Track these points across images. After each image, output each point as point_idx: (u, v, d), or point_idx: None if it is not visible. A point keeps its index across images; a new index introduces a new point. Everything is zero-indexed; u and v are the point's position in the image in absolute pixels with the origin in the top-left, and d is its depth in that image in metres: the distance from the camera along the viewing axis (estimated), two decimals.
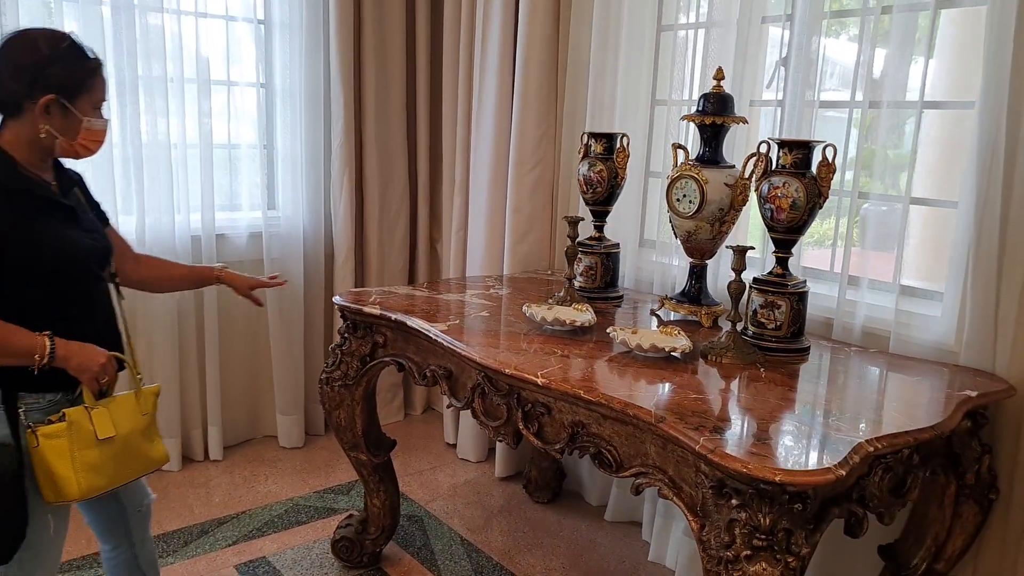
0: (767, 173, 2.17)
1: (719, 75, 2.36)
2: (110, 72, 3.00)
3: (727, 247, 2.09)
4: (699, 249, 2.44)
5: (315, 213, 3.68)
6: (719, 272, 2.68)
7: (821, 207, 2.12)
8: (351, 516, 2.82)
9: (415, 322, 2.33)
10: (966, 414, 1.84)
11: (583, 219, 2.53)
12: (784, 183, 2.10)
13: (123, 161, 3.13)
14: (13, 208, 1.62)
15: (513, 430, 2.05)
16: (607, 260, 2.71)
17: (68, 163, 1.84)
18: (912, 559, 2.12)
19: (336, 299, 2.56)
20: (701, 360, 2.08)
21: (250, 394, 3.72)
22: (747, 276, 2.10)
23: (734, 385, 1.92)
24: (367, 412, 2.65)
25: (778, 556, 1.44)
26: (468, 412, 2.21)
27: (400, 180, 3.88)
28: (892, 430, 1.64)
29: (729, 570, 1.48)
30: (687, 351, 2.04)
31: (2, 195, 1.61)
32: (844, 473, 1.44)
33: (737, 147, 2.60)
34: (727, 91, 2.38)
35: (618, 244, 2.77)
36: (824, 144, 2.09)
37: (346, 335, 2.57)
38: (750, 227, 2.71)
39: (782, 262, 2.19)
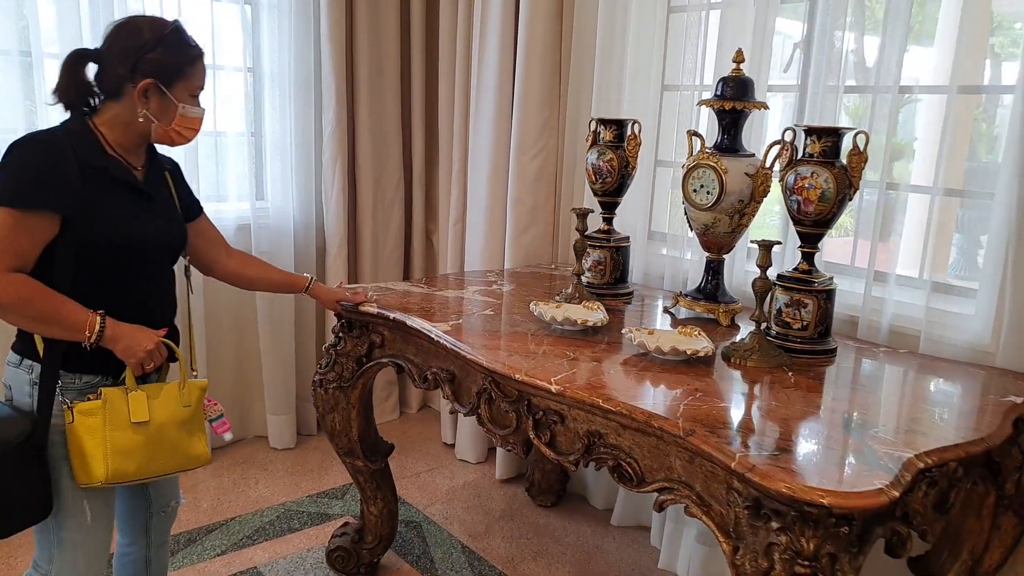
0: (792, 162, 2.03)
1: (739, 57, 2.21)
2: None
3: (751, 242, 1.95)
4: (717, 243, 2.30)
5: (306, 204, 3.52)
6: (734, 267, 2.54)
7: (851, 199, 1.98)
8: (347, 524, 2.68)
9: (415, 322, 2.18)
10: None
11: (592, 211, 2.39)
12: (812, 173, 1.96)
13: None
14: (84, 184, 1.61)
15: (523, 439, 1.91)
16: (617, 254, 2.56)
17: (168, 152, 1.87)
18: (946, 573, 1.99)
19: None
20: (723, 362, 1.95)
21: (239, 393, 3.56)
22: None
23: (762, 391, 1.78)
24: (363, 416, 2.51)
25: None
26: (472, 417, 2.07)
27: (395, 169, 3.71)
28: (940, 443, 1.51)
29: None
30: (709, 354, 1.90)
31: (77, 170, 1.61)
32: (897, 495, 1.31)
33: (749, 135, 2.45)
34: (746, 75, 2.23)
35: (628, 237, 2.63)
36: (855, 131, 1.95)
37: (341, 335, 2.42)
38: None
39: (808, 258, 2.06)
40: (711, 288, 2.35)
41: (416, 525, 2.97)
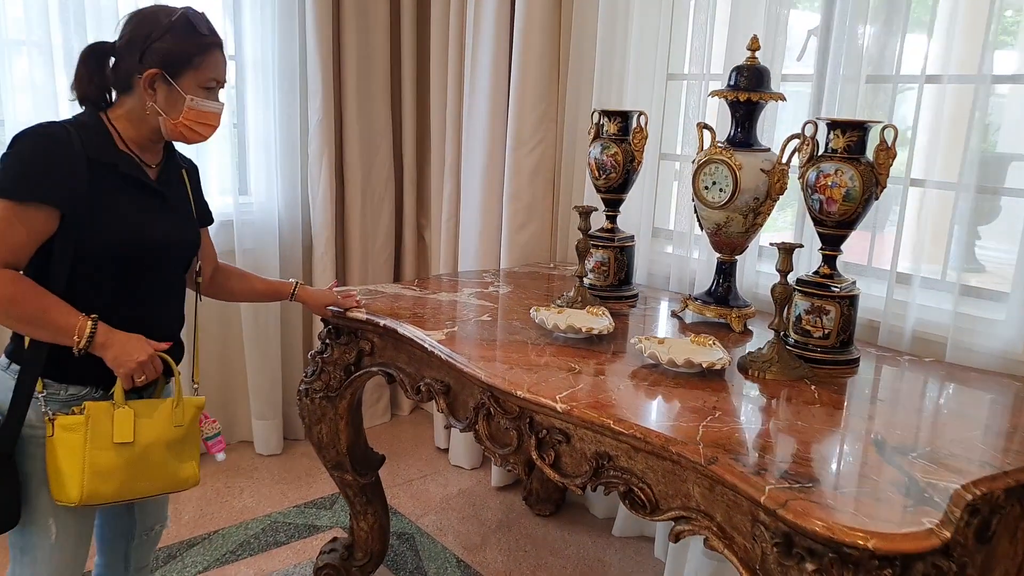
0: (814, 158, 1.89)
1: (754, 45, 2.06)
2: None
3: (770, 244, 1.81)
4: (729, 243, 2.15)
5: (291, 199, 3.35)
6: (745, 267, 2.40)
7: (878, 198, 1.84)
8: (335, 540, 2.53)
9: (407, 329, 2.03)
10: None
11: (596, 209, 2.24)
12: (836, 170, 1.81)
13: None
14: (91, 179, 1.54)
15: (525, 460, 1.76)
16: (621, 255, 2.42)
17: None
18: None
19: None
20: (739, 373, 1.81)
21: (223, 398, 3.40)
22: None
23: (784, 408, 1.64)
24: (352, 427, 2.36)
25: None
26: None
27: (385, 162, 3.55)
28: (988, 470, 1.37)
29: None
30: (726, 366, 1.76)
31: (84, 164, 1.53)
32: (949, 535, 1.17)
33: (762, 128, 2.30)
34: (761, 63, 2.08)
35: (633, 236, 2.48)
36: (883, 124, 1.81)
37: (328, 341, 2.27)
38: None
39: (830, 261, 1.91)
40: (722, 291, 2.20)
41: (409, 537, 2.83)
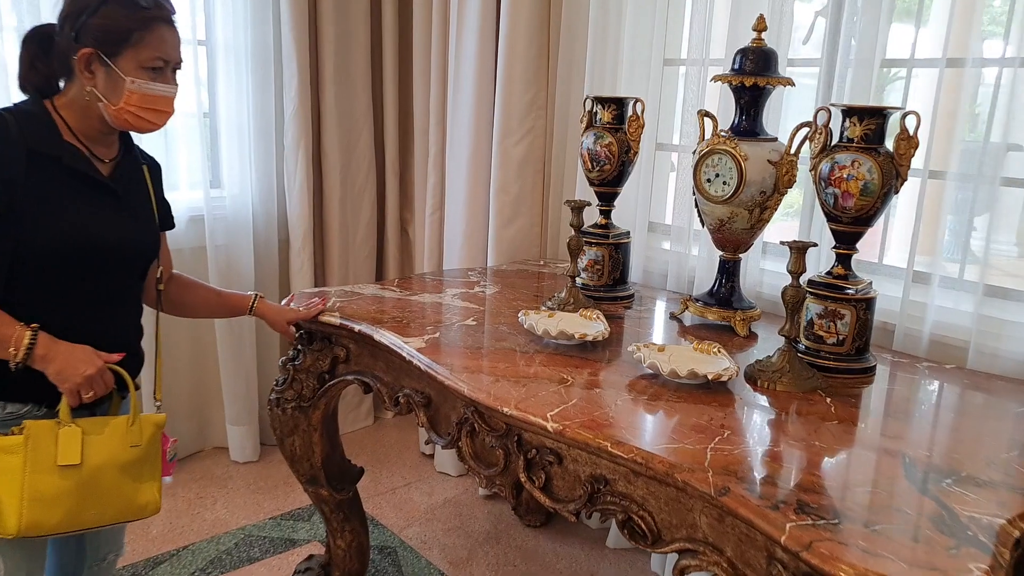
0: (827, 149, 1.73)
1: (760, 25, 1.90)
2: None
3: (780, 242, 1.66)
4: (733, 241, 2.00)
5: (266, 192, 3.17)
6: (747, 265, 2.24)
7: (897, 192, 1.68)
8: (311, 558, 2.37)
9: (384, 336, 1.87)
10: None
11: (589, 204, 2.07)
12: (853, 162, 1.65)
13: None
14: (30, 173, 1.39)
15: (512, 481, 1.60)
16: (616, 252, 2.25)
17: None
18: None
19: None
20: (746, 383, 1.65)
21: (195, 403, 3.23)
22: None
23: (797, 424, 1.48)
24: (327, 439, 2.20)
25: None
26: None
27: (365, 153, 3.36)
28: None
29: None
30: (733, 377, 1.60)
31: (22, 156, 1.39)
32: None
33: (767, 116, 2.14)
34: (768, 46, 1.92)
35: (628, 232, 2.31)
36: (904, 111, 1.64)
37: (300, 347, 2.10)
38: None
39: (844, 260, 1.76)
40: (725, 292, 2.05)
41: (391, 552, 2.67)
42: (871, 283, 1.77)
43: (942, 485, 1.26)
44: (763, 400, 1.59)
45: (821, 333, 1.74)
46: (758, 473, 1.27)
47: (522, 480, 1.56)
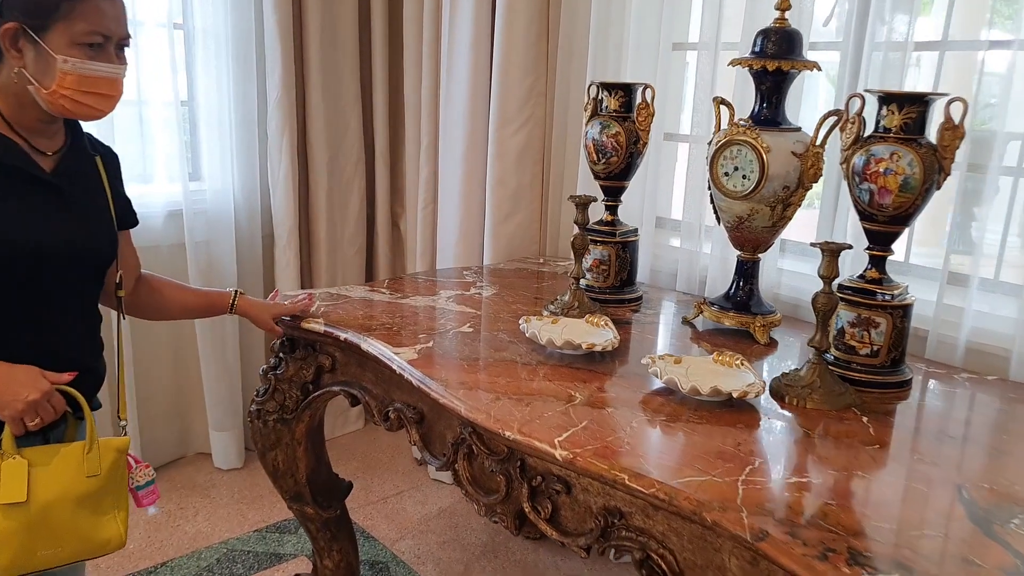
0: (861, 140, 1.56)
1: (784, 4, 1.73)
2: None
3: (811, 244, 1.50)
4: (752, 240, 1.84)
5: (249, 185, 3.00)
6: (764, 264, 2.08)
7: (939, 187, 1.52)
8: None
9: (373, 345, 1.70)
10: None
11: (595, 199, 1.91)
12: (892, 155, 1.49)
13: None
14: None
15: (515, 511, 1.46)
16: (624, 251, 2.09)
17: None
18: None
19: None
20: (772, 399, 1.50)
21: (176, 406, 3.07)
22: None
23: (834, 450, 1.33)
24: (312, 452, 2.04)
25: None
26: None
27: (353, 143, 3.18)
28: None
29: None
30: (760, 394, 1.45)
31: None
32: None
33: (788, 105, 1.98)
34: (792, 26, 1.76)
35: (636, 230, 2.15)
36: (949, 98, 1.48)
37: (281, 355, 1.94)
38: None
39: (879, 263, 1.60)
40: (743, 295, 1.89)
41: (383, 567, 2.51)
42: (907, 287, 1.61)
43: (1009, 526, 1.10)
44: (793, 420, 1.43)
45: (853, 343, 1.59)
46: (797, 512, 1.12)
47: (526, 510, 1.42)
